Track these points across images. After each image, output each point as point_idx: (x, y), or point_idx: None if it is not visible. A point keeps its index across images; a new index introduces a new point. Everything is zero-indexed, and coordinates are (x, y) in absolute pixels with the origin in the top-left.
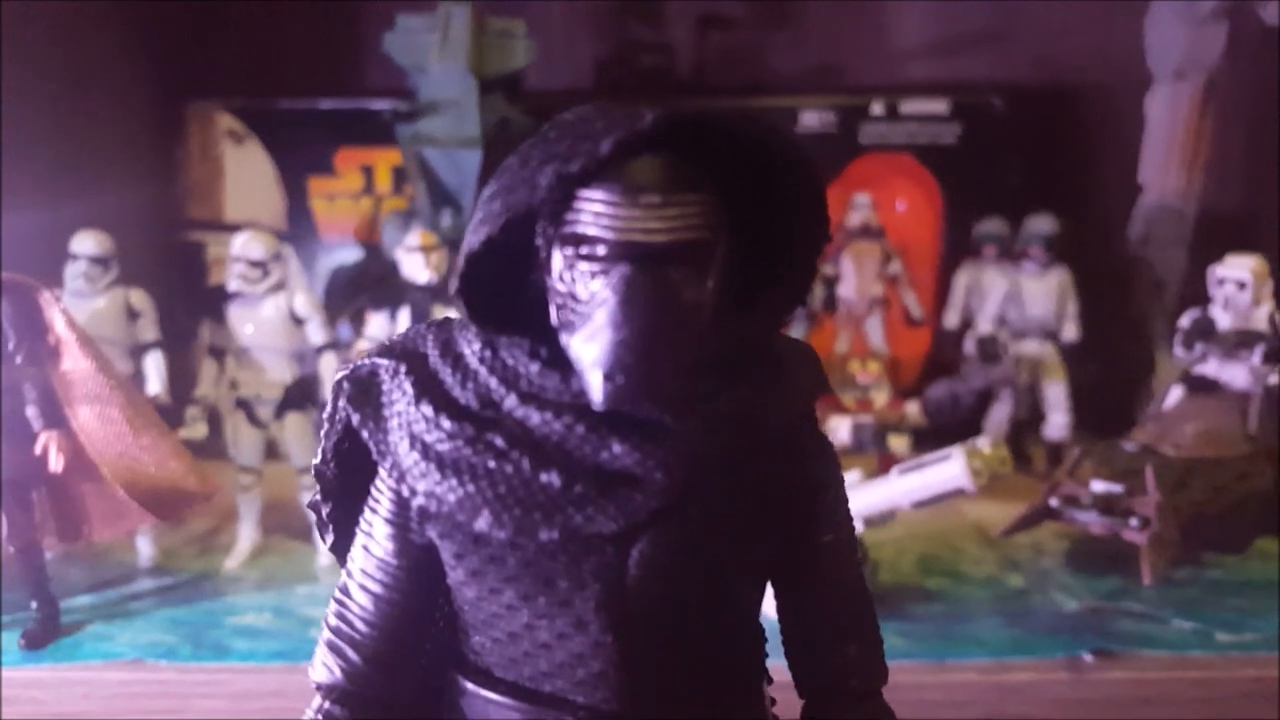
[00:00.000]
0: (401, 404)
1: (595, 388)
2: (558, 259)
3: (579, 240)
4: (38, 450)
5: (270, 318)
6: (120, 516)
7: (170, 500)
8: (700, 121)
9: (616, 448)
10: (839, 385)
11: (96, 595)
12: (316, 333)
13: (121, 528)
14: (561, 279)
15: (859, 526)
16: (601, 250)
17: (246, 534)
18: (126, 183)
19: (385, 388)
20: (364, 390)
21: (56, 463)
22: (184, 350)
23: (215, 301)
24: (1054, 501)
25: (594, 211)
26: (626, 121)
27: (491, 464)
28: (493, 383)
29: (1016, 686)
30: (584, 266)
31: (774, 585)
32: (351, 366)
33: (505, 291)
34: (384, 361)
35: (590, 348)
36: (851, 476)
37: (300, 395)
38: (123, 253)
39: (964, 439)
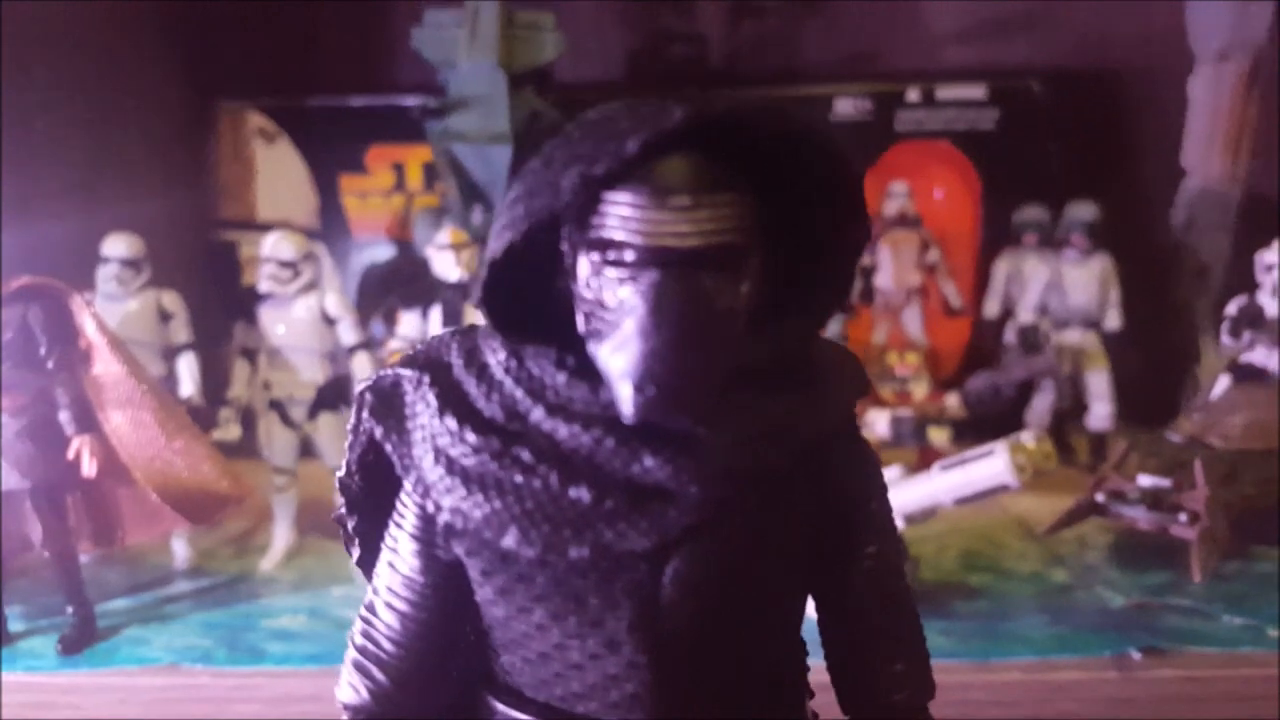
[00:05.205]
0: (425, 416)
1: (625, 400)
2: (584, 265)
3: (605, 245)
4: (70, 455)
5: (302, 318)
6: (154, 520)
7: (202, 504)
8: (731, 117)
9: (648, 461)
10: (877, 377)
11: (133, 598)
12: (348, 332)
13: (155, 531)
14: (588, 285)
15: (900, 524)
16: (629, 255)
17: (282, 534)
18: (158, 184)
19: (409, 399)
20: (387, 402)
21: (89, 467)
22: (217, 351)
23: (247, 302)
24: (1100, 497)
25: (620, 215)
26: (653, 119)
27: (518, 479)
28: (519, 394)
29: (1063, 685)
30: (611, 273)
31: (816, 600)
32: (375, 377)
33: (531, 298)
34: (407, 372)
35: (619, 358)
36: (892, 472)
37: (333, 395)
38: (155, 254)
39: (1005, 430)
